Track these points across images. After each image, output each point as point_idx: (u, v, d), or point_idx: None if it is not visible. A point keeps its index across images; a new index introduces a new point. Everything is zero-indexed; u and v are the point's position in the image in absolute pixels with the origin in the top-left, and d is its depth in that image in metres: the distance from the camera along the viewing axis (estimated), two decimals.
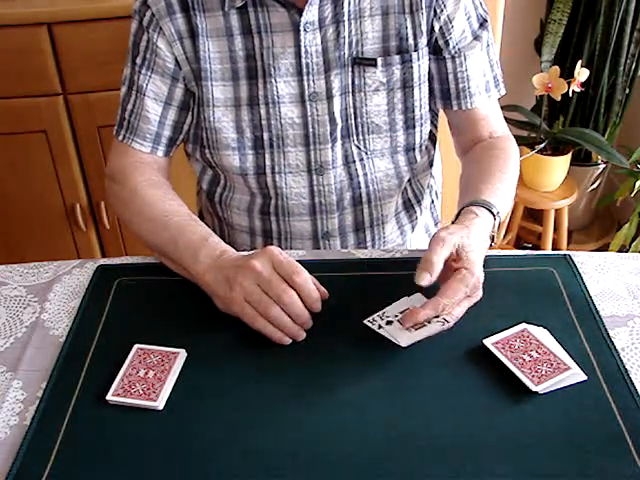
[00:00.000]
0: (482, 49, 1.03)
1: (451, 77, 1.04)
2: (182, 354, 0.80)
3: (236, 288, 0.80)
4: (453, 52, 1.02)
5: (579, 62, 1.88)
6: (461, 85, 1.04)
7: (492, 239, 0.89)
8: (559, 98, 1.85)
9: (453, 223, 0.88)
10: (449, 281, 0.79)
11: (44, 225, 1.81)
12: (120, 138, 1.04)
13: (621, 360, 0.78)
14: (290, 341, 0.81)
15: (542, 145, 1.96)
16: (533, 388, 0.74)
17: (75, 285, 0.94)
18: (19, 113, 1.64)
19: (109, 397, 0.75)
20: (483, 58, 1.04)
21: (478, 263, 0.81)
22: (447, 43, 1.01)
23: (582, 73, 1.87)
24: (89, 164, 1.73)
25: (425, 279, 0.77)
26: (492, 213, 0.89)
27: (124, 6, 1.51)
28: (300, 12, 0.95)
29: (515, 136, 1.11)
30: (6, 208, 1.78)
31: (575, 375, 0.76)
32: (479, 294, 0.83)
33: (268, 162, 1.04)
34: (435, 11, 0.98)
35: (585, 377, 0.76)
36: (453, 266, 0.81)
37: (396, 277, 0.90)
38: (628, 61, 2.07)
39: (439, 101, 1.07)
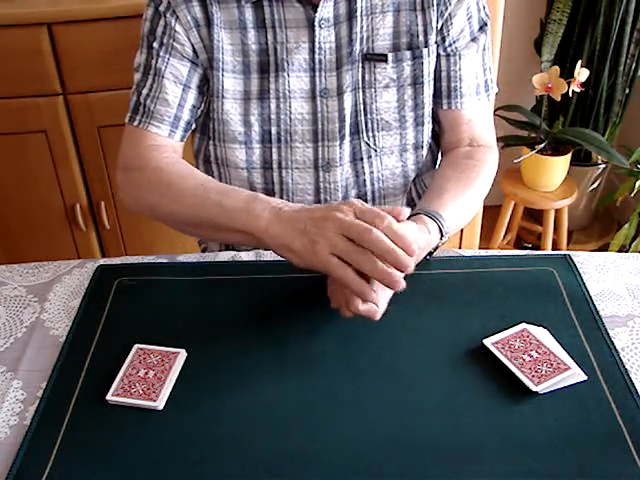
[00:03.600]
0: (478, 51, 1.04)
1: (444, 75, 1.04)
2: (182, 354, 0.80)
3: (320, 241, 0.75)
4: (449, 50, 1.02)
5: (579, 62, 1.88)
6: (453, 84, 1.04)
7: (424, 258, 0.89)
8: (559, 98, 1.85)
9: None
10: None
11: (44, 225, 1.81)
12: (135, 123, 1.00)
13: (621, 360, 0.78)
14: (375, 297, 0.75)
15: (542, 145, 1.96)
16: (533, 388, 0.74)
17: (75, 285, 0.94)
18: (19, 113, 1.64)
19: (109, 397, 0.75)
20: (478, 60, 1.05)
21: None
22: (444, 40, 1.02)
23: (582, 73, 1.86)
24: (89, 164, 1.73)
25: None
26: (442, 237, 0.89)
27: (124, 6, 1.51)
28: (315, 8, 0.96)
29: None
30: (6, 208, 1.78)
31: (575, 375, 0.76)
32: None
33: (275, 157, 1.04)
34: (441, 9, 0.99)
35: (585, 377, 0.76)
36: None
37: None
38: (628, 61, 2.06)
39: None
